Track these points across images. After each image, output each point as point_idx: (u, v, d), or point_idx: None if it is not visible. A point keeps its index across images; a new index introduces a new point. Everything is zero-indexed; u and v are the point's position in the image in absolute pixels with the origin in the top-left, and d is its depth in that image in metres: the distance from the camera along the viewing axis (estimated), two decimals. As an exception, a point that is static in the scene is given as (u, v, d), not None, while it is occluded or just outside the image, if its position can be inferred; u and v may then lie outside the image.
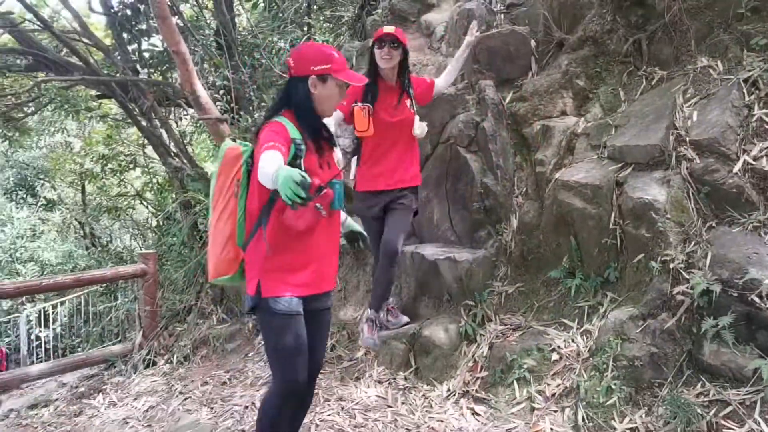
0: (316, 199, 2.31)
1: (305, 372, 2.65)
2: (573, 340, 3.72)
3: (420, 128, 4.06)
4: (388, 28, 4.04)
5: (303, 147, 2.54)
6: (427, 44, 6.25)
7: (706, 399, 3.00)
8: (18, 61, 8.92)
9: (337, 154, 2.92)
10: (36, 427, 4.61)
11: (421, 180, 4.34)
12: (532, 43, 4.99)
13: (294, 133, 2.55)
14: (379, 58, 4.04)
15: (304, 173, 2.09)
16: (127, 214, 12.15)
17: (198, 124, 9.50)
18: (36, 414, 4.92)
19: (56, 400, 5.16)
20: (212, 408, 4.19)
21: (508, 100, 4.79)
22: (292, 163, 2.47)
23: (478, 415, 3.61)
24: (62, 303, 10.35)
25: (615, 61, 4.55)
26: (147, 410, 4.43)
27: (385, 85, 4.12)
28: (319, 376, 4.01)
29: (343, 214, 2.99)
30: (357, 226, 3.11)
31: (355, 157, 4.27)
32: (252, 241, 2.60)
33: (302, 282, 2.62)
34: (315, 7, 8.12)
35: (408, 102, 4.14)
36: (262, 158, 2.28)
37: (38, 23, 8.16)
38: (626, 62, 4.50)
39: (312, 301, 2.70)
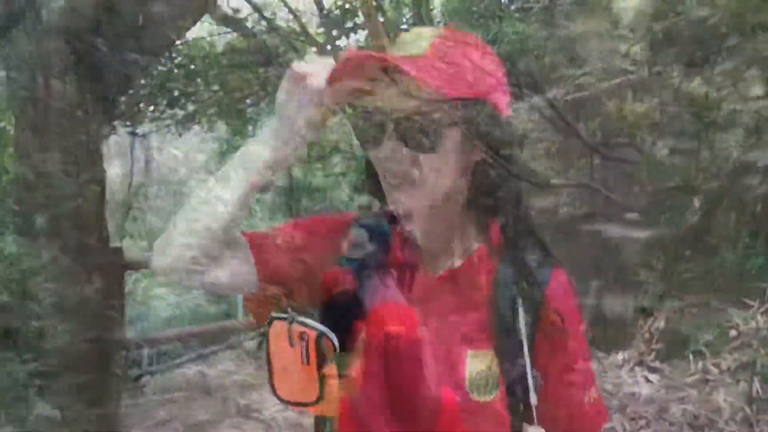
0: None
1: None
2: (753, 318, 3.79)
3: None
4: None
5: None
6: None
7: None
8: (241, 59, 10.28)
9: None
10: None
11: None
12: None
13: None
14: None
15: None
16: (328, 196, 13.23)
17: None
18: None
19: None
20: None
21: (694, 83, 4.82)
22: None
23: (651, 383, 3.82)
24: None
25: (814, 42, 4.40)
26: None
27: None
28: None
29: None
30: None
31: None
32: None
33: None
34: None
35: None
36: None
37: (264, 26, 9.38)
38: (827, 43, 4.34)
39: None
